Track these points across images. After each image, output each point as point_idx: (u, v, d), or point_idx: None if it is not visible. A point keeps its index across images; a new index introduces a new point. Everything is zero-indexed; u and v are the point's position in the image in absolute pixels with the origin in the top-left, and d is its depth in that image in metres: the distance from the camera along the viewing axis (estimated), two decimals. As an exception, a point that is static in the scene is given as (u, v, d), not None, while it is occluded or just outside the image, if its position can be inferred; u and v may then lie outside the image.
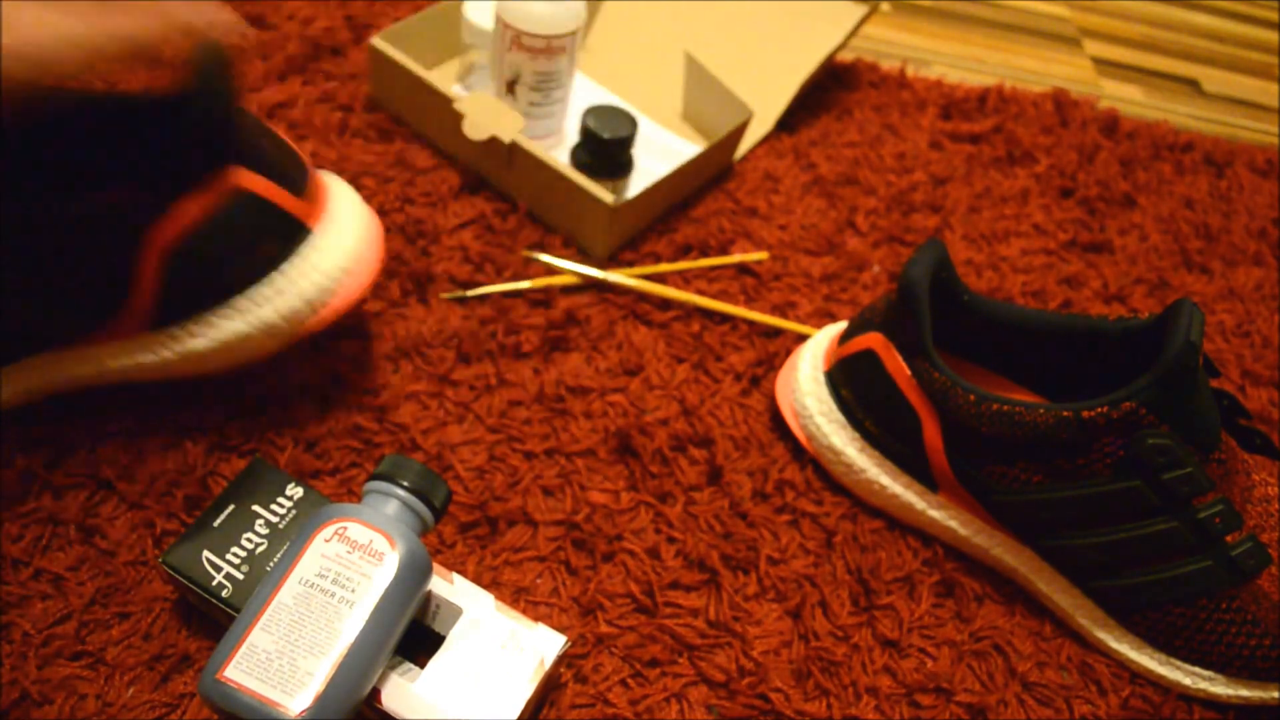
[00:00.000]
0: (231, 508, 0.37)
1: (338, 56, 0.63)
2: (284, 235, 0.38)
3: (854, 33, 0.67)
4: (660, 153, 0.62)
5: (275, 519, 0.37)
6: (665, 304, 0.54)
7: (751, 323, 0.54)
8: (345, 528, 0.33)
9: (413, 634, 0.35)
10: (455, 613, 0.36)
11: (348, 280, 0.39)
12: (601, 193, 0.51)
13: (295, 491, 0.38)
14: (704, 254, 0.57)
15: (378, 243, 0.41)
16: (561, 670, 0.39)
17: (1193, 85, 0.89)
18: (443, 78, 0.63)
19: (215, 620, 0.37)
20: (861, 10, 0.67)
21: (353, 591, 0.32)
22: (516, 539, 0.42)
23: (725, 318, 0.54)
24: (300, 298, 0.38)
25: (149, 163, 0.33)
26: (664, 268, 0.55)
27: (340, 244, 0.39)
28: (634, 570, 0.42)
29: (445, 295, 0.51)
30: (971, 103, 0.74)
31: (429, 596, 0.36)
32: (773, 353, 0.53)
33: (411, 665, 0.34)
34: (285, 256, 0.38)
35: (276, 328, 0.38)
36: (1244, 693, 0.41)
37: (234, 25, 0.32)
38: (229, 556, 0.36)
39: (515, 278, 0.53)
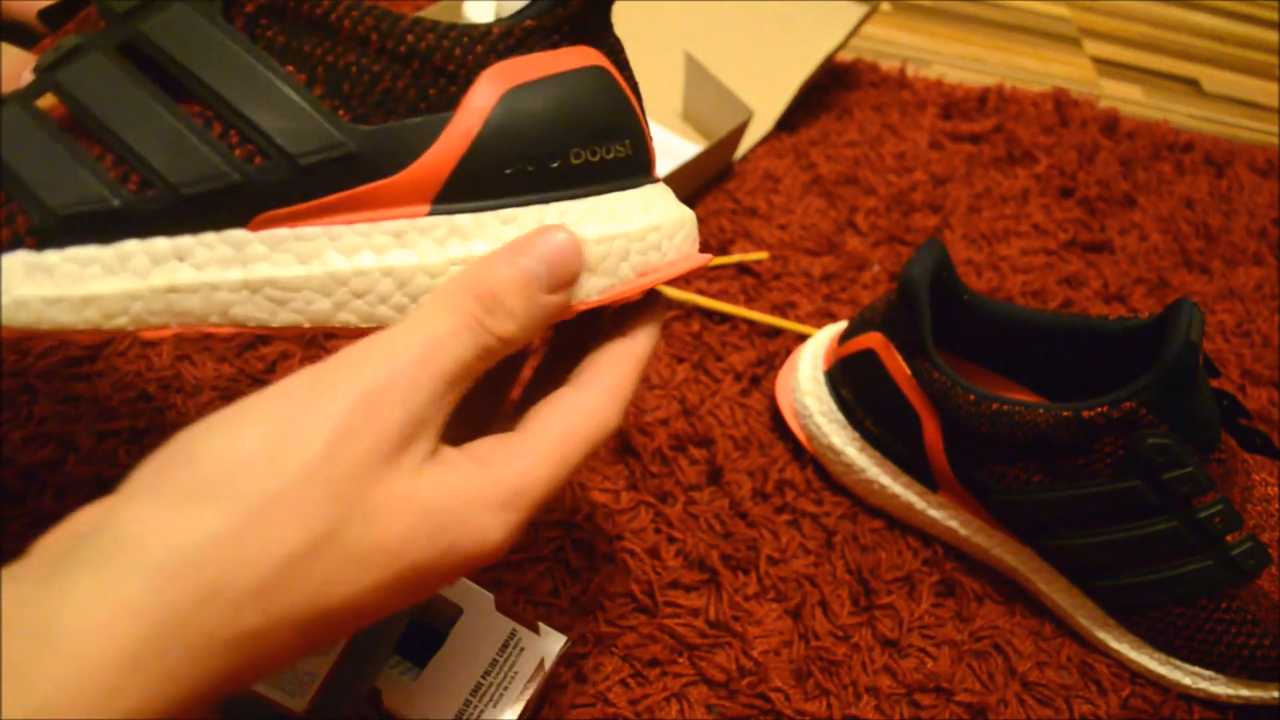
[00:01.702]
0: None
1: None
2: (636, 154, 0.28)
3: (854, 33, 0.67)
4: (660, 153, 0.62)
5: (275, 519, 0.37)
6: (665, 303, 0.54)
7: (751, 322, 0.54)
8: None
9: (413, 634, 0.35)
10: (455, 613, 0.36)
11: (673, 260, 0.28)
12: (601, 192, 0.51)
13: (295, 491, 0.38)
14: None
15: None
16: (561, 670, 0.39)
17: (1193, 85, 0.89)
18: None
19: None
20: (861, 10, 0.67)
21: (353, 591, 0.32)
22: (516, 539, 0.42)
23: (725, 317, 0.54)
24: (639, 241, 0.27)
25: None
26: (664, 267, 0.55)
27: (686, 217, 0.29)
28: (634, 570, 0.42)
29: (445, 295, 0.51)
30: (971, 102, 0.74)
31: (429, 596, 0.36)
32: (773, 352, 0.53)
33: (411, 665, 0.34)
34: (631, 182, 0.28)
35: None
36: (1244, 692, 0.41)
37: None
38: (229, 556, 0.35)
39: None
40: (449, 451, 0.23)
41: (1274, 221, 0.71)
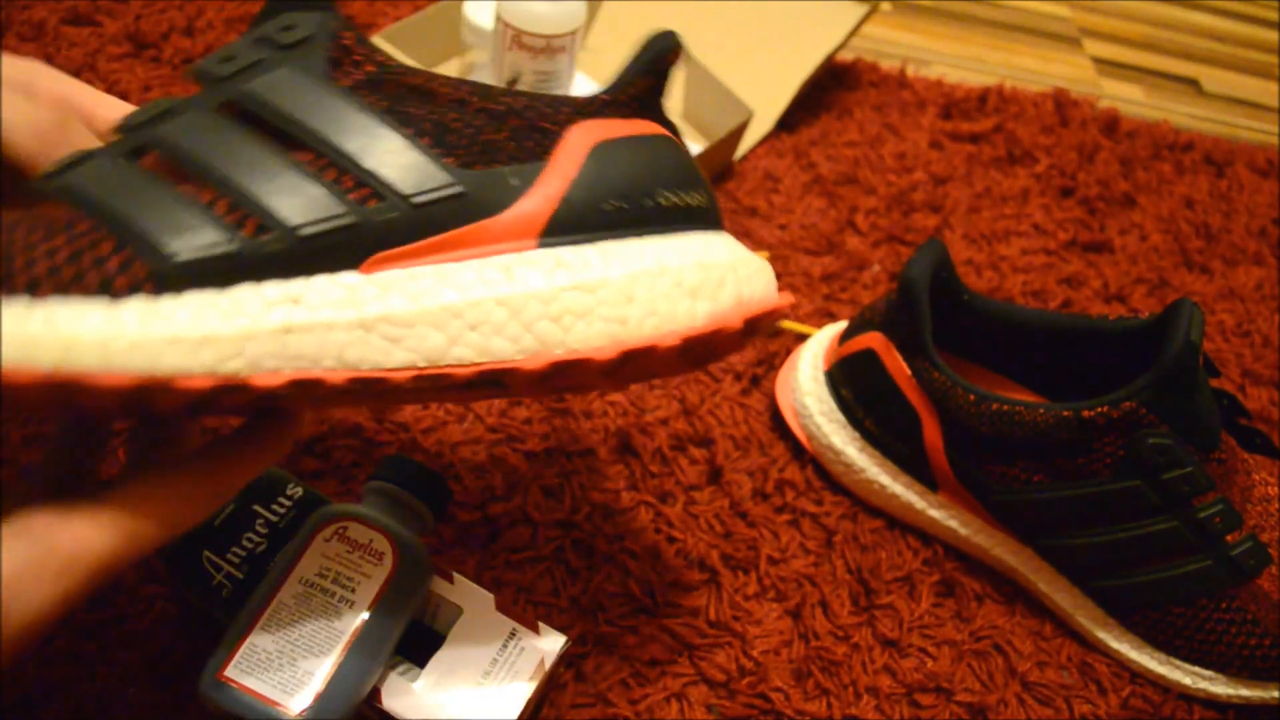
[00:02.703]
0: (231, 508, 0.37)
1: (338, 56, 0.63)
2: (711, 206, 0.29)
3: (854, 32, 0.67)
4: (660, 152, 0.62)
5: (275, 519, 0.37)
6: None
7: (751, 322, 0.54)
8: (345, 528, 0.33)
9: (413, 634, 0.35)
10: (455, 613, 0.36)
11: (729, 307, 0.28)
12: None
13: (295, 491, 0.38)
14: (704, 254, 0.57)
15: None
16: (561, 670, 0.39)
17: (1193, 85, 0.89)
18: (443, 77, 0.63)
19: (215, 620, 0.37)
20: (861, 10, 0.67)
21: (353, 591, 0.32)
22: (516, 539, 0.42)
23: (725, 317, 0.54)
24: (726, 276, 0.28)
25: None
26: (664, 267, 0.55)
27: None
28: (634, 570, 0.42)
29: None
30: (971, 102, 0.74)
31: (429, 596, 0.36)
32: (773, 352, 0.53)
33: (411, 665, 0.34)
34: (713, 228, 0.29)
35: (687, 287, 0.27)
36: (1244, 692, 0.41)
37: None
38: (229, 556, 0.36)
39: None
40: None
41: (1274, 221, 0.71)
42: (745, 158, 0.64)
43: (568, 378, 0.27)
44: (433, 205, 0.24)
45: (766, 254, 0.57)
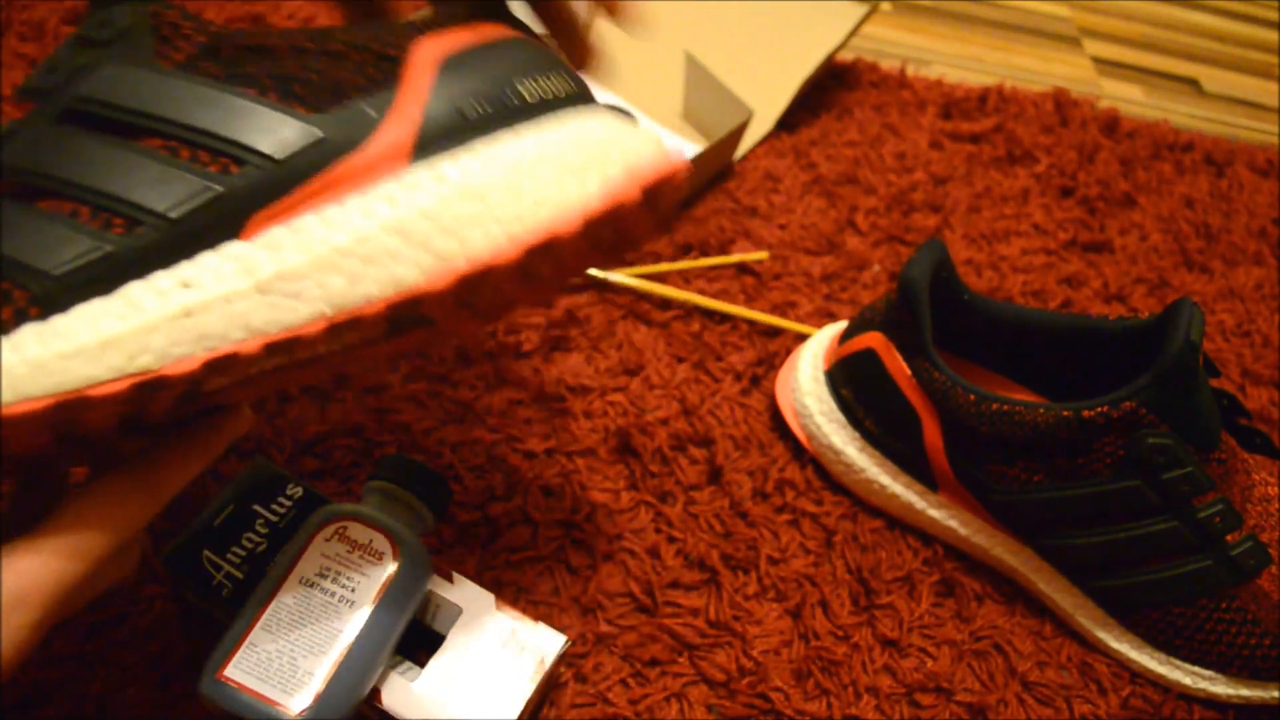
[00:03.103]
0: (231, 508, 0.37)
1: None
2: (579, 89, 0.29)
3: (854, 32, 0.67)
4: (660, 152, 0.62)
5: (275, 519, 0.37)
6: (665, 303, 0.54)
7: (751, 322, 0.54)
8: (345, 527, 0.33)
9: (413, 634, 0.35)
10: (455, 612, 0.36)
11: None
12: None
13: (295, 491, 0.38)
14: (704, 253, 0.57)
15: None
16: (561, 670, 0.39)
17: (1193, 85, 0.89)
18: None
19: (215, 620, 0.37)
20: (861, 10, 0.67)
21: (353, 591, 0.32)
22: (516, 539, 0.42)
23: (725, 317, 0.54)
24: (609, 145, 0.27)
25: None
26: (664, 267, 0.55)
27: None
28: (634, 570, 0.42)
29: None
30: (971, 102, 0.74)
31: (429, 596, 0.36)
32: (773, 352, 0.53)
33: (411, 665, 0.34)
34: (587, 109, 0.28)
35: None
36: (1244, 692, 0.41)
37: None
38: (229, 556, 0.36)
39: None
40: None
41: (1274, 221, 0.71)
42: (745, 158, 0.64)
43: (483, 292, 0.26)
44: (295, 156, 0.24)
45: (766, 254, 0.57)
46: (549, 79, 0.27)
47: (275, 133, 0.24)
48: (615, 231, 0.28)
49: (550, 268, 0.27)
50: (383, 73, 0.25)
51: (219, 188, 0.23)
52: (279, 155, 0.24)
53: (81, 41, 0.24)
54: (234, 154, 0.23)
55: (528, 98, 0.26)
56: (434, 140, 0.25)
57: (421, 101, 0.25)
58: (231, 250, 0.23)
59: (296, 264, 0.23)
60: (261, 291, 0.23)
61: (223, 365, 0.23)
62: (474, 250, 0.24)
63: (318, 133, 0.24)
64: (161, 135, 0.23)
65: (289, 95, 0.24)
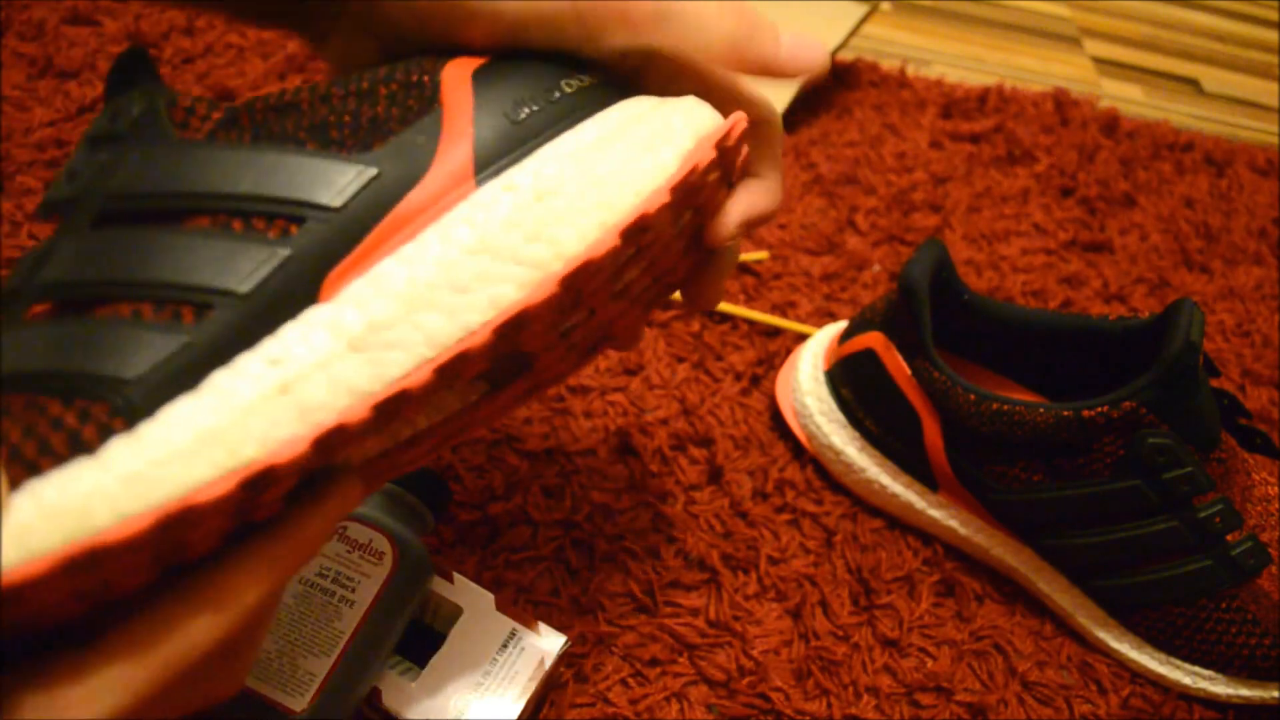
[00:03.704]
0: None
1: (338, 56, 0.63)
2: (610, 76, 0.28)
3: (854, 32, 0.67)
4: (660, 152, 0.62)
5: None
6: (666, 303, 0.54)
7: (751, 322, 0.54)
8: (345, 527, 0.33)
9: (413, 634, 0.35)
10: (455, 612, 0.36)
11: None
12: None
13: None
14: (704, 253, 0.57)
15: None
16: (561, 670, 0.39)
17: (1193, 85, 0.89)
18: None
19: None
20: (862, 10, 0.67)
21: (353, 591, 0.32)
22: (516, 538, 0.42)
23: (725, 317, 0.54)
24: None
25: None
26: (664, 267, 0.55)
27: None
28: (634, 570, 0.42)
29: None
30: (971, 102, 0.74)
31: (429, 596, 0.36)
32: (773, 352, 0.53)
33: (411, 665, 0.34)
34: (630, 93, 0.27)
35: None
36: (1244, 692, 0.41)
37: None
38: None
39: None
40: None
41: (1274, 221, 0.71)
42: (745, 158, 0.64)
43: (586, 302, 0.25)
44: (354, 200, 0.22)
45: (766, 254, 0.57)
46: (579, 71, 0.26)
47: (327, 181, 0.22)
48: (697, 198, 0.27)
49: (648, 260, 0.26)
50: (419, 100, 0.24)
51: (285, 251, 0.22)
52: (337, 203, 0.22)
53: (96, 141, 0.23)
54: (290, 213, 0.22)
55: (569, 91, 0.25)
56: (493, 152, 0.24)
57: (469, 118, 0.24)
58: (314, 315, 0.22)
59: (386, 312, 0.22)
60: (356, 349, 0.21)
61: (332, 441, 0.21)
62: (567, 248, 0.23)
63: (371, 171, 0.23)
64: (208, 211, 0.22)
65: (329, 142, 0.23)
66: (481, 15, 0.25)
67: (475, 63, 0.25)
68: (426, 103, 0.24)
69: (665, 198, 0.24)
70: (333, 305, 0.22)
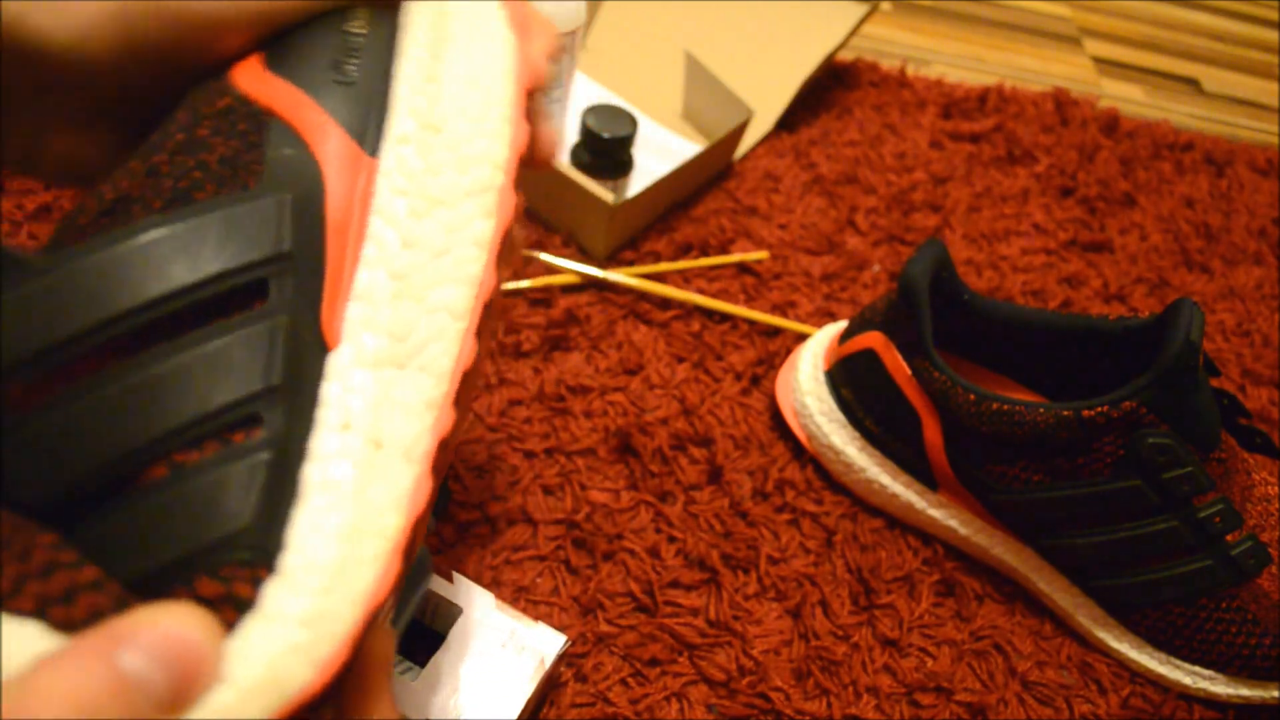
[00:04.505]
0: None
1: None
2: None
3: (854, 32, 0.67)
4: (660, 152, 0.62)
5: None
6: (665, 303, 0.54)
7: (751, 322, 0.54)
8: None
9: (413, 633, 0.35)
10: (455, 612, 0.36)
11: None
12: (602, 192, 0.51)
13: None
14: (704, 253, 0.57)
15: None
16: (561, 669, 0.39)
17: (1193, 85, 0.89)
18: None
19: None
20: (862, 9, 0.67)
21: (353, 591, 0.32)
22: (516, 538, 0.42)
23: (725, 317, 0.54)
24: None
25: None
26: (664, 267, 0.55)
27: None
28: (634, 569, 0.42)
29: (445, 295, 0.51)
30: (971, 102, 0.74)
31: (429, 596, 0.36)
32: (773, 352, 0.53)
33: (411, 664, 0.34)
34: None
35: None
36: (1244, 692, 0.41)
37: None
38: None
39: (515, 277, 0.53)
40: None
41: (1274, 221, 0.71)
42: (745, 158, 0.64)
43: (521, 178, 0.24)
44: (294, 237, 0.20)
45: (766, 254, 0.57)
46: (341, 15, 0.24)
47: (260, 228, 0.20)
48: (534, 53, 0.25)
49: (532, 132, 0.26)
50: (246, 119, 0.21)
51: (282, 318, 0.19)
52: (287, 246, 0.20)
53: None
54: (244, 285, 0.19)
55: (360, 30, 0.23)
56: (359, 119, 0.22)
57: (309, 104, 0.22)
58: (339, 364, 0.20)
59: (397, 319, 0.20)
60: (400, 366, 0.20)
61: (441, 464, 0.20)
62: (493, 153, 0.22)
63: (277, 198, 0.20)
64: (164, 319, 0.18)
65: (194, 206, 0.20)
66: (229, 19, 0.22)
67: (251, 62, 0.23)
68: (255, 118, 0.22)
69: (530, 66, 0.23)
70: (347, 344, 0.20)
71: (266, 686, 0.17)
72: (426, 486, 0.19)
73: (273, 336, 0.19)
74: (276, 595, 0.17)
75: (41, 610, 0.16)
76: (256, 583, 0.18)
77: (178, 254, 0.19)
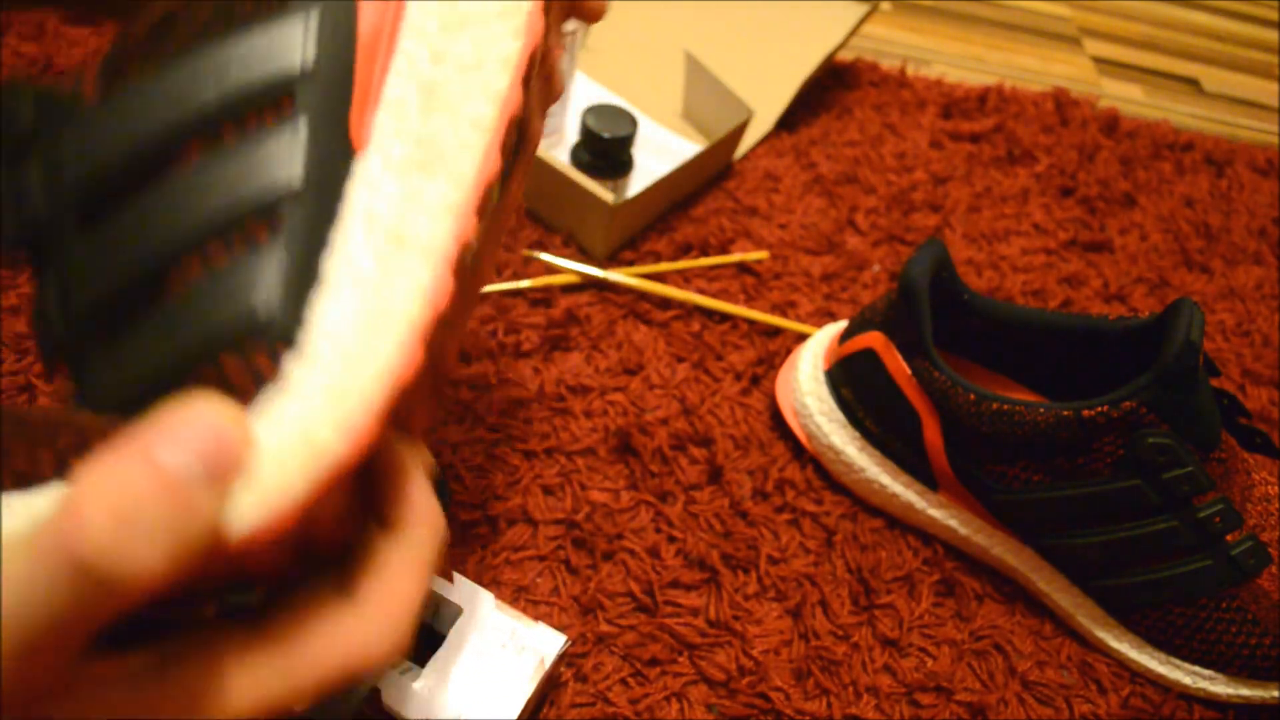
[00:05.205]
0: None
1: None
2: None
3: (854, 32, 0.67)
4: (660, 152, 0.62)
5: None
6: (665, 303, 0.54)
7: (752, 322, 0.54)
8: (345, 527, 0.33)
9: (412, 634, 0.35)
10: (455, 612, 0.36)
11: None
12: (602, 192, 0.51)
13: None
14: (704, 253, 0.57)
15: None
16: (561, 669, 0.39)
17: (1193, 84, 0.89)
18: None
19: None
20: (862, 9, 0.67)
21: (353, 591, 0.32)
22: (516, 538, 0.42)
23: (725, 317, 0.54)
24: None
25: None
26: (664, 267, 0.55)
27: None
28: (634, 569, 0.42)
29: (445, 295, 0.51)
30: (972, 102, 0.74)
31: (429, 596, 0.36)
32: (773, 352, 0.53)
33: (411, 664, 0.34)
34: None
35: None
36: (1244, 692, 0.41)
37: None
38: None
39: (515, 277, 0.53)
40: (131, 662, 0.18)
41: (1274, 221, 0.71)
42: (745, 158, 0.64)
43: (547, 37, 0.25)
44: (321, 51, 0.20)
45: (766, 254, 0.57)
46: None
47: (285, 45, 0.20)
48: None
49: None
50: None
51: (303, 126, 0.20)
52: (311, 60, 0.20)
53: (14, 154, 0.20)
54: (277, 92, 0.20)
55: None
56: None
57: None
58: (367, 170, 0.21)
59: (423, 126, 0.21)
60: (426, 170, 0.21)
61: (465, 256, 0.21)
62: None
63: (309, 12, 0.21)
64: (196, 137, 0.20)
65: (242, 18, 0.20)
66: None
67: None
68: None
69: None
70: (375, 148, 0.21)
71: (299, 453, 0.18)
72: (448, 285, 0.20)
73: (294, 139, 0.20)
74: (299, 371, 0.18)
75: (60, 470, 0.17)
76: (276, 357, 0.19)
77: (214, 74, 0.20)
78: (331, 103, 0.21)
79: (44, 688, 0.16)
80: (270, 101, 0.20)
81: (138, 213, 0.19)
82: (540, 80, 0.28)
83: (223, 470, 0.16)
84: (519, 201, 0.29)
